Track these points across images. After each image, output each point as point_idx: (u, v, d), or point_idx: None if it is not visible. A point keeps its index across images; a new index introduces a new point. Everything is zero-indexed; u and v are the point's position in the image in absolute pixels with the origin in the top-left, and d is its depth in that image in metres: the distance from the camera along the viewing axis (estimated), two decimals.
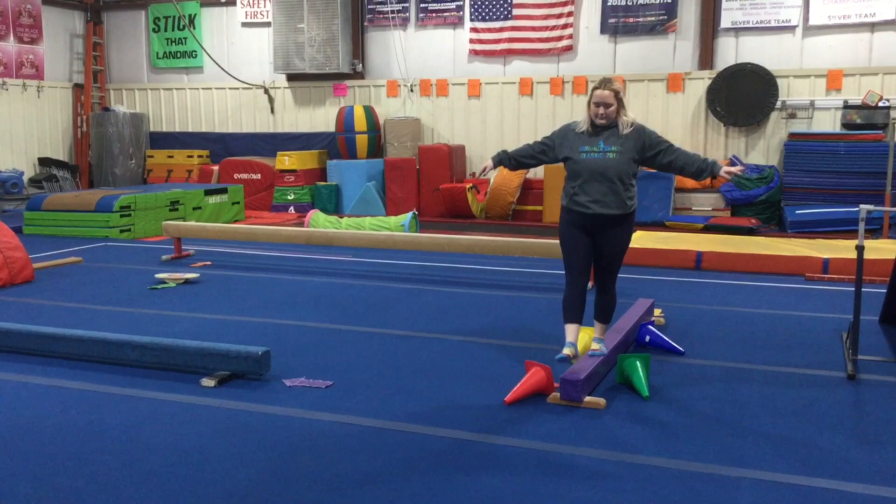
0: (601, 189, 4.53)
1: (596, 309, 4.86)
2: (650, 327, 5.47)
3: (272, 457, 3.69)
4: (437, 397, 4.49)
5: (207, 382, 4.65)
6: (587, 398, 4.33)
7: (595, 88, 4.57)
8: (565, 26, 12.50)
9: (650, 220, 11.19)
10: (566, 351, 4.57)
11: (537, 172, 12.57)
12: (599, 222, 4.59)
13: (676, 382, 4.75)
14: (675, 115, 12.21)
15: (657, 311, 6.12)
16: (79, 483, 3.42)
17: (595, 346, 4.78)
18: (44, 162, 14.46)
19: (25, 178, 13.89)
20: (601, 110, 4.53)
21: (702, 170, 4.61)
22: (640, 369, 4.56)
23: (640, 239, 9.31)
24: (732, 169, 4.64)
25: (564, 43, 12.54)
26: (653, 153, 4.60)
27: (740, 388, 4.67)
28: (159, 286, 7.40)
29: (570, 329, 4.69)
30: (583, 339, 5.14)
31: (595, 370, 4.55)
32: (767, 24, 11.66)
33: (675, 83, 12.13)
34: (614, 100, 4.53)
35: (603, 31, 12.39)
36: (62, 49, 14.94)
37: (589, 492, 3.35)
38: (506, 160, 5.00)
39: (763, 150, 11.93)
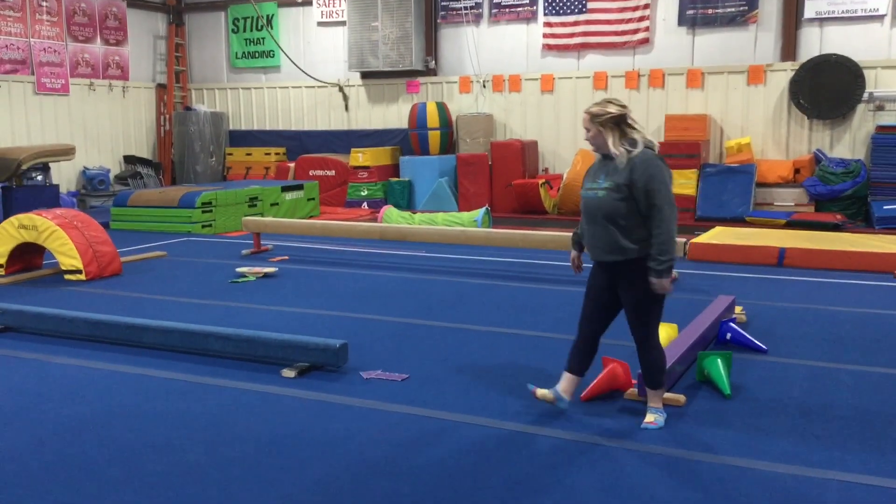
0: (594, 231, 3.95)
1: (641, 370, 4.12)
2: (731, 325, 5.35)
3: (351, 447, 3.75)
4: (512, 392, 4.48)
5: (288, 373, 4.75)
6: (666, 394, 4.25)
7: None
8: (641, 18, 12.29)
9: (730, 216, 10.93)
10: (540, 391, 4.11)
11: None
12: (606, 270, 4.02)
13: (759, 381, 4.63)
14: (755, 109, 11.87)
15: (738, 309, 5.97)
16: (166, 468, 3.54)
17: (649, 417, 3.98)
18: (129, 160, 15.00)
19: (112, 176, 14.44)
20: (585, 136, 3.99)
21: (653, 259, 3.80)
22: (721, 367, 4.46)
23: (720, 235, 9.11)
24: (664, 284, 3.82)
25: (640, 36, 12.33)
26: (640, 197, 3.81)
27: (826, 388, 4.52)
28: (240, 280, 7.59)
29: (564, 377, 4.13)
30: (660, 334, 5.06)
31: (673, 367, 4.46)
32: (854, 14, 11.22)
33: (755, 75, 11.79)
34: (590, 124, 3.90)
35: (681, 23, 12.13)
36: (146, 50, 15.46)
37: (668, 490, 3.30)
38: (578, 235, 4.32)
39: (849, 143, 11.49)
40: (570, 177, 12.02)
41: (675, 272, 4.12)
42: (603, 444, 3.75)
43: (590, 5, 12.51)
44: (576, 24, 12.67)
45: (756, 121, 11.86)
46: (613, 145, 3.88)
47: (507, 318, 6.14)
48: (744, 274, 7.74)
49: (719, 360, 4.48)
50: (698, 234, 9.30)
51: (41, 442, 3.83)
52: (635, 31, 12.35)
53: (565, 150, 12.95)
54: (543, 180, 12.18)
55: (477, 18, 13.40)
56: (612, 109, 3.87)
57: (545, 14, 12.88)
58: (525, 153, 12.56)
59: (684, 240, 7.72)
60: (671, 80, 12.23)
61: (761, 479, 3.39)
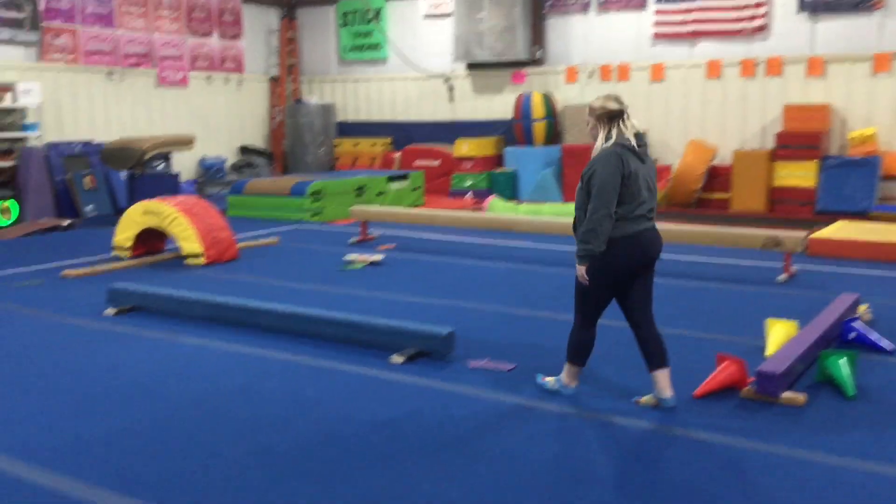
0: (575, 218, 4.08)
1: None
2: (855, 324, 5.09)
3: (459, 433, 3.78)
4: (621, 386, 4.41)
5: (396, 359, 4.83)
6: (785, 394, 4.10)
7: None
8: (758, 5, 11.80)
9: (852, 210, 10.39)
10: (643, 398, 4.14)
11: (724, 158, 12.01)
12: None
13: (886, 383, 4.39)
14: (881, 99, 11.22)
15: (862, 307, 5.67)
16: (283, 444, 3.67)
17: (550, 378, 4.29)
18: (243, 150, 15.56)
19: (227, 165, 15.02)
20: None
21: (578, 243, 3.96)
22: (844, 366, 4.25)
23: (842, 230, 8.69)
24: (579, 271, 3.98)
25: (757, 23, 11.85)
26: (588, 188, 3.93)
27: None
28: (348, 267, 7.76)
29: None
30: (779, 332, 4.88)
31: (792, 366, 4.29)
32: None
33: (881, 64, 11.14)
34: (588, 116, 4.03)
35: (801, 8, 11.58)
36: (260, 44, 15.98)
37: (787, 492, 3.17)
38: None
39: None
40: (681, 168, 11.71)
41: None
42: (720, 443, 3.65)
43: None
44: (688, 10, 12.29)
45: (881, 111, 11.20)
46: (599, 139, 3.98)
47: (614, 311, 6.03)
48: (868, 271, 7.35)
49: (843, 360, 4.28)
50: (818, 229, 8.89)
51: (165, 417, 4.03)
52: (752, 18, 11.88)
53: (675, 140, 12.61)
54: None
55: (585, 7, 13.19)
56: (610, 106, 3.96)
57: (656, 1, 12.55)
58: None
59: (804, 234, 7.40)
60: (790, 68, 11.71)
61: (886, 483, 3.22)
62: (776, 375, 4.07)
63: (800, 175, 10.94)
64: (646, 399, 4.10)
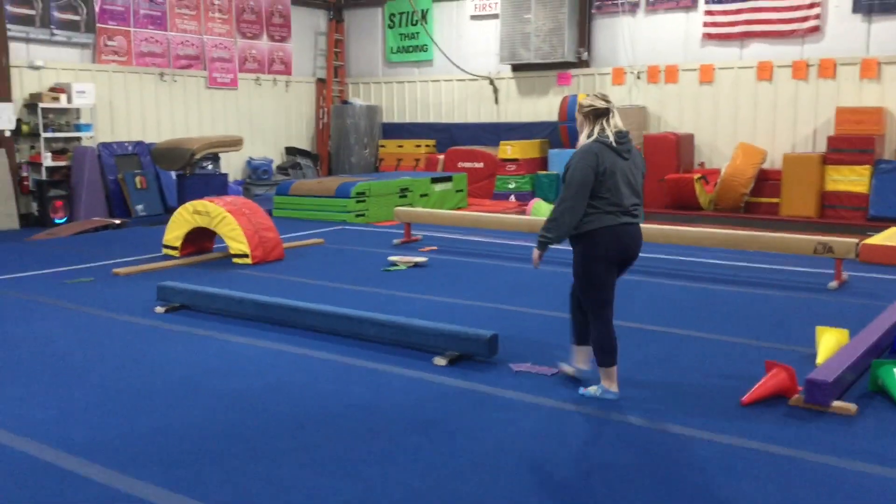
0: None
1: None
2: None
3: (500, 438, 3.77)
4: (668, 392, 4.36)
5: (439, 361, 4.84)
6: (835, 403, 4.01)
7: None
8: (812, 5, 11.57)
9: None
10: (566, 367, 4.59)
11: (774, 162, 11.80)
12: None
13: None
14: None
15: None
16: (325, 444, 3.70)
17: (593, 388, 4.30)
18: (289, 151, 15.74)
19: (274, 166, 15.21)
20: None
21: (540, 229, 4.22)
22: None
23: (893, 236, 8.46)
24: (535, 254, 4.27)
25: (810, 24, 11.62)
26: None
27: None
28: (392, 268, 7.80)
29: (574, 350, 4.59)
30: (830, 341, 4.77)
31: (843, 375, 4.20)
32: None
33: None
34: (577, 113, 4.26)
35: (856, 9, 11.32)
36: (307, 46, 16.15)
37: (839, 503, 3.11)
38: None
39: None
40: (729, 172, 11.54)
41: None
42: (768, 452, 3.58)
43: None
44: (739, 11, 12.10)
45: None
46: (584, 135, 4.20)
47: (659, 316, 5.98)
48: None
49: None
50: (871, 235, 8.68)
51: (212, 414, 4.10)
52: (805, 19, 11.65)
53: (724, 143, 12.42)
54: (699, 175, 11.75)
55: (633, 8, 13.08)
56: (598, 104, 4.16)
57: (706, 2, 12.38)
58: (680, 147, 12.15)
59: (856, 240, 7.23)
60: (843, 70, 11.45)
61: None
62: (826, 384, 3.98)
63: (852, 180, 10.70)
64: (567, 368, 4.57)
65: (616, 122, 4.17)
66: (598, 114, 4.15)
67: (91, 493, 3.25)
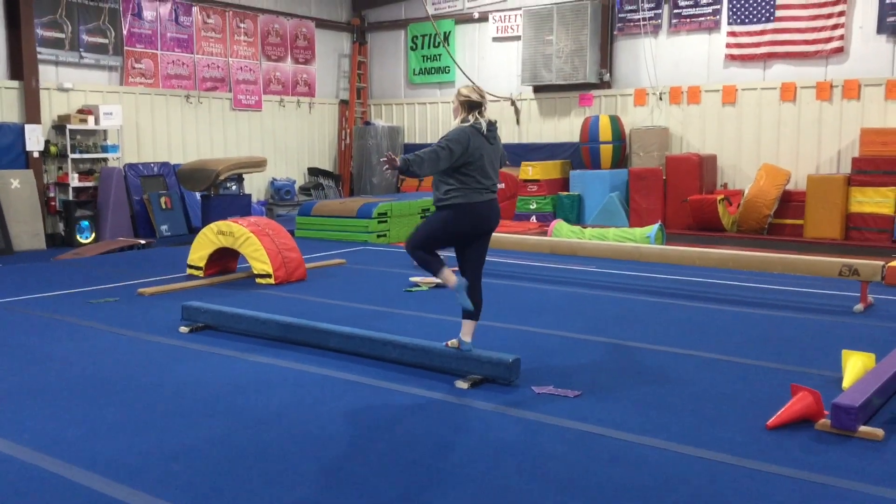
0: None
1: None
2: None
3: (522, 461, 3.76)
4: (691, 416, 4.32)
5: (461, 384, 4.83)
6: (862, 428, 3.96)
7: None
8: (835, 27, 11.54)
9: None
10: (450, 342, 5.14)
11: (798, 183, 11.73)
12: None
13: None
14: None
15: None
16: (349, 462, 3.71)
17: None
18: (312, 171, 15.88)
19: (296, 187, 15.34)
20: None
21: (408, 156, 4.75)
22: None
23: None
24: (392, 162, 4.77)
25: (834, 45, 11.58)
26: None
27: None
28: (413, 289, 7.82)
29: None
30: (856, 365, 4.72)
31: (870, 400, 4.15)
32: None
33: None
34: (454, 98, 4.94)
35: (880, 30, 11.28)
36: (331, 68, 16.33)
37: None
38: None
39: None
40: (753, 193, 11.48)
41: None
42: (793, 477, 3.54)
43: (778, 13, 11.90)
44: (762, 32, 12.09)
45: None
46: (458, 120, 4.87)
47: (682, 339, 5.94)
48: None
49: None
50: None
51: (237, 433, 4.12)
52: (828, 40, 11.62)
53: (748, 164, 12.37)
54: (722, 196, 11.70)
55: (655, 29, 13.11)
56: (473, 97, 4.85)
57: (729, 23, 12.39)
58: (703, 167, 12.12)
59: (882, 263, 7.15)
60: (868, 91, 11.39)
61: None
62: (853, 408, 3.94)
63: (877, 201, 10.62)
64: (452, 342, 5.01)
65: (487, 115, 4.88)
66: (472, 105, 4.83)
67: None
